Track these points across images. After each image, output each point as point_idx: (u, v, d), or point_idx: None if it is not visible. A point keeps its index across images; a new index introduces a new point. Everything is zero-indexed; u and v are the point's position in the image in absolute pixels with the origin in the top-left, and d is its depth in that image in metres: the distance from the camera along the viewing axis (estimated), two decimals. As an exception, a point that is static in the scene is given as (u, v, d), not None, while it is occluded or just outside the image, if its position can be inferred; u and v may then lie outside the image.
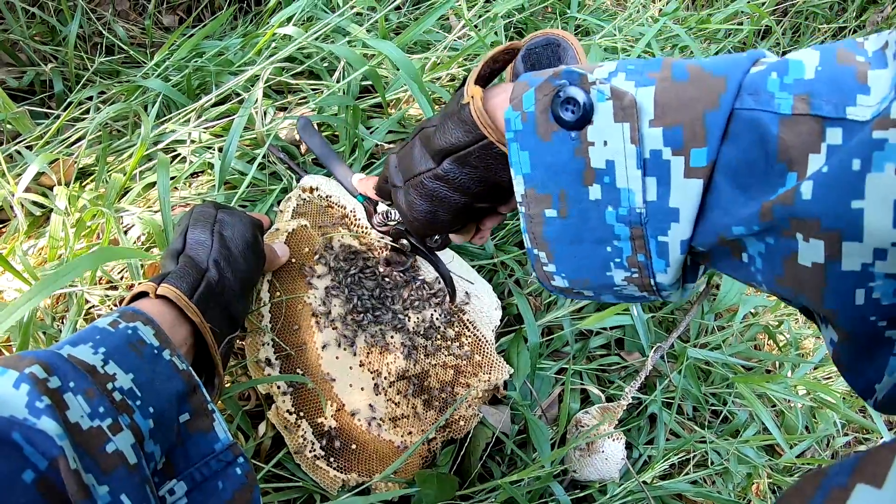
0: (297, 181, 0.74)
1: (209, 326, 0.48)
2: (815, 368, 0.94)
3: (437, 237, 0.55)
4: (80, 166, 0.79)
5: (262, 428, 0.64)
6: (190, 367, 0.42)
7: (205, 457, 0.40)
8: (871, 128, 0.23)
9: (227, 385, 0.63)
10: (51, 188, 0.76)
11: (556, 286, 0.38)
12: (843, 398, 0.91)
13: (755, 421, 0.85)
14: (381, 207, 0.52)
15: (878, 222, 0.23)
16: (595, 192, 0.32)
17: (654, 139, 0.29)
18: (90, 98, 0.85)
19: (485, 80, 0.42)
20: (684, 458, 0.80)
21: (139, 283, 0.49)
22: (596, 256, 0.34)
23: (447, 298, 0.71)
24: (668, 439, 0.80)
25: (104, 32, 0.99)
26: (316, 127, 0.65)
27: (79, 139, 0.79)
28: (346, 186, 0.56)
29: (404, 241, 0.53)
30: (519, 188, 0.34)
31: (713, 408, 0.84)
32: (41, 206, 0.76)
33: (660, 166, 0.29)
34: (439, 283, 0.72)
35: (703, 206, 0.30)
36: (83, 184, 0.77)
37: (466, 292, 0.73)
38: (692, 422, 0.84)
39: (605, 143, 0.30)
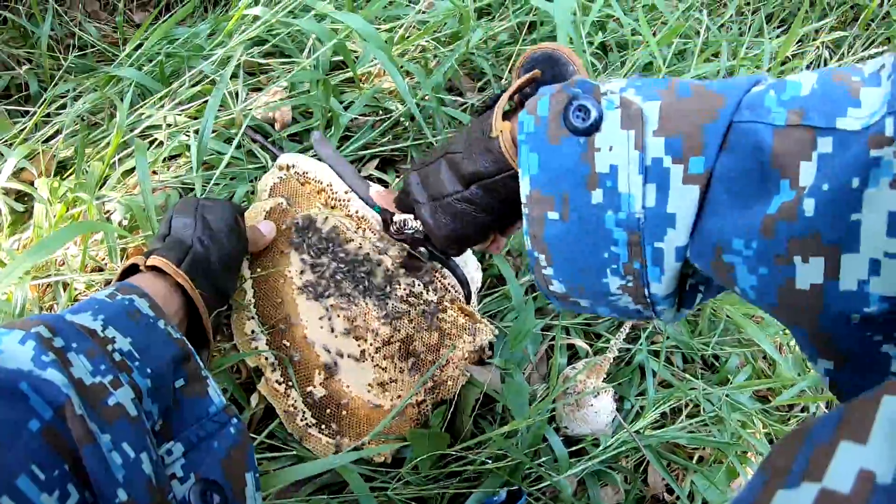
0: (273, 160, 0.75)
1: (199, 292, 0.50)
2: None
3: None
4: (60, 159, 0.79)
5: (254, 399, 0.65)
6: (183, 337, 0.44)
7: (200, 419, 0.41)
8: (868, 146, 0.25)
9: (215, 356, 0.64)
10: (32, 184, 0.77)
11: (553, 291, 0.39)
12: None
13: (747, 365, 0.85)
14: (398, 217, 0.55)
15: (873, 229, 0.25)
16: (597, 196, 0.33)
17: (656, 148, 0.31)
18: (66, 94, 0.86)
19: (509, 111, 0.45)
20: (676, 407, 0.81)
21: (130, 258, 0.51)
22: (593, 261, 0.35)
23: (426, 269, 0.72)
24: (658, 390, 0.81)
25: (76, 32, 1.00)
26: (329, 141, 0.66)
27: (56, 133, 0.80)
28: (363, 198, 0.59)
29: (422, 249, 0.55)
30: (525, 189, 0.35)
31: (703, 354, 0.85)
32: (23, 201, 0.76)
33: (660, 174, 0.31)
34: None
35: (701, 216, 0.31)
36: (63, 176, 0.78)
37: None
38: (683, 373, 0.85)
39: (611, 148, 0.32)
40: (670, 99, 0.31)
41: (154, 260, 0.48)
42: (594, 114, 0.32)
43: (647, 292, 0.35)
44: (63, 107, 0.85)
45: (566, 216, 0.34)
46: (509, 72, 0.47)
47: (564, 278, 0.37)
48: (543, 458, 0.69)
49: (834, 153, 0.27)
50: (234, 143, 0.71)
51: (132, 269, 0.50)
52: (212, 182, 0.70)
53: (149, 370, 0.39)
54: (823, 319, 0.28)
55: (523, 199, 0.36)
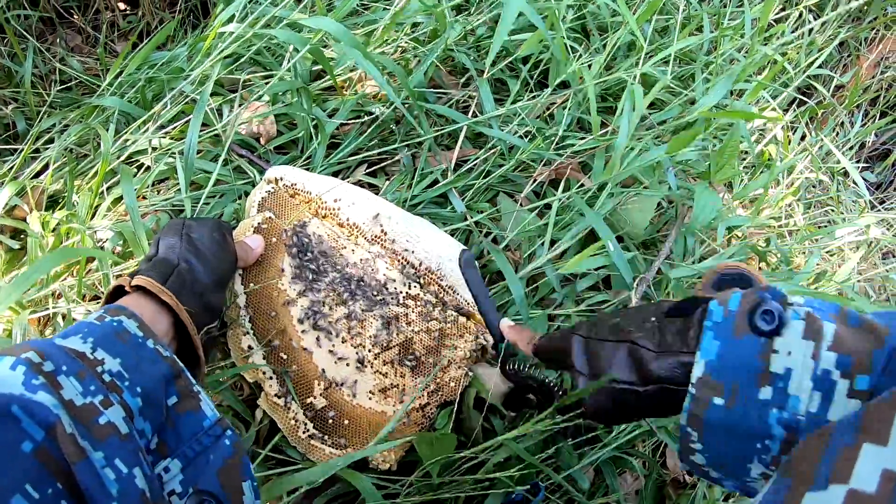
0: (261, 174, 0.74)
1: (186, 309, 0.50)
2: (812, 282, 0.94)
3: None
4: (50, 193, 0.80)
5: (258, 414, 0.65)
6: (174, 355, 0.44)
7: (195, 434, 0.42)
8: None
9: (218, 373, 0.64)
10: (24, 220, 0.77)
11: (692, 461, 0.42)
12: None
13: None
14: (519, 361, 0.57)
15: None
16: (766, 392, 0.36)
17: (828, 361, 0.35)
18: (52, 128, 0.86)
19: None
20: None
21: (115, 279, 0.50)
22: (744, 448, 0.38)
23: (418, 269, 0.72)
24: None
25: (60, 67, 1.00)
26: (477, 264, 0.69)
27: (46, 167, 0.80)
28: (491, 329, 0.60)
29: (531, 397, 0.57)
30: (698, 371, 0.38)
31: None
32: (18, 238, 0.77)
33: (827, 384, 0.34)
34: (413, 255, 0.72)
35: None
36: (56, 209, 0.78)
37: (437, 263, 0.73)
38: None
39: (789, 353, 0.36)
40: (842, 323, 0.36)
41: (138, 279, 0.49)
42: (778, 320, 0.37)
43: None
44: (51, 141, 0.85)
45: (731, 404, 0.37)
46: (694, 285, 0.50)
47: (710, 456, 0.40)
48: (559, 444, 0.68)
49: None
50: (220, 159, 0.71)
51: (120, 292, 0.50)
52: (201, 201, 0.69)
53: (139, 389, 0.39)
54: None
55: (693, 380, 0.39)
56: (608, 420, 0.48)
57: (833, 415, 0.34)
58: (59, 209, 0.77)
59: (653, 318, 0.45)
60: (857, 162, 1.22)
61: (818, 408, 0.34)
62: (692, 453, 0.40)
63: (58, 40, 1.11)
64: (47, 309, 0.68)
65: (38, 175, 0.82)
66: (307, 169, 0.77)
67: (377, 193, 0.79)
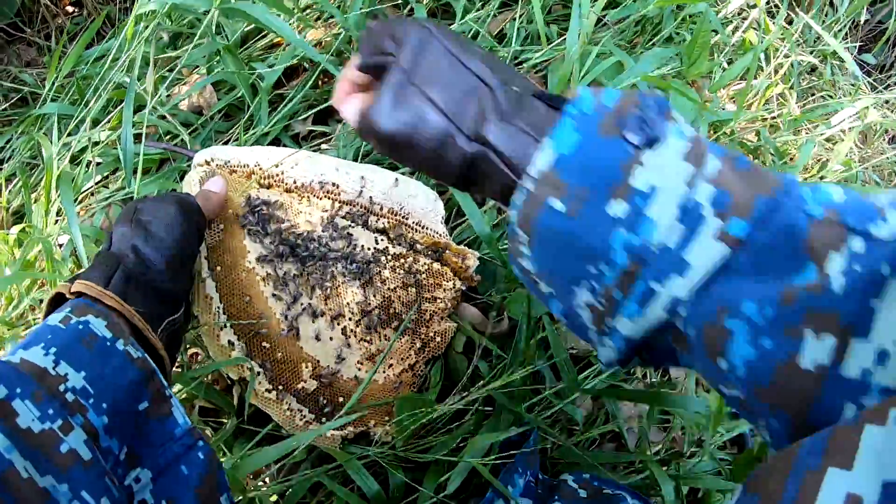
0: (188, 160, 0.71)
1: (135, 309, 0.45)
2: (813, 174, 0.87)
3: None
4: (14, 210, 0.80)
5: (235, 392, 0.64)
6: (145, 354, 0.42)
7: (165, 442, 0.41)
8: None
9: (195, 368, 0.63)
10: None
11: (520, 264, 0.36)
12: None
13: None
14: None
15: (885, 320, 0.26)
16: (618, 208, 0.30)
17: (703, 193, 0.30)
18: (8, 144, 0.86)
19: None
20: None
21: (55, 287, 0.47)
22: (575, 268, 0.32)
23: (380, 213, 0.68)
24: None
25: (9, 86, 0.99)
26: None
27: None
28: None
29: None
30: (543, 161, 0.31)
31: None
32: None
33: (695, 218, 0.29)
34: (371, 199, 0.68)
35: (714, 278, 0.30)
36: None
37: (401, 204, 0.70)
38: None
39: (661, 171, 0.30)
40: (728, 163, 0.31)
41: (78, 285, 0.44)
42: (651, 133, 0.30)
43: (610, 322, 0.33)
44: (8, 159, 0.85)
45: (573, 213, 0.31)
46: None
47: (539, 265, 0.34)
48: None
49: (866, 252, 0.27)
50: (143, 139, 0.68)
51: (62, 299, 0.46)
52: (139, 182, 0.67)
53: (104, 405, 0.38)
54: (815, 410, 0.27)
55: (534, 172, 0.31)
56: (388, 138, 0.36)
57: (692, 255, 0.29)
58: (25, 223, 0.77)
59: (515, 87, 0.35)
60: (854, 43, 1.11)
61: (676, 244, 0.29)
62: (521, 256, 0.35)
63: (12, 57, 1.10)
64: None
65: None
66: (254, 134, 0.74)
67: (329, 141, 0.75)
